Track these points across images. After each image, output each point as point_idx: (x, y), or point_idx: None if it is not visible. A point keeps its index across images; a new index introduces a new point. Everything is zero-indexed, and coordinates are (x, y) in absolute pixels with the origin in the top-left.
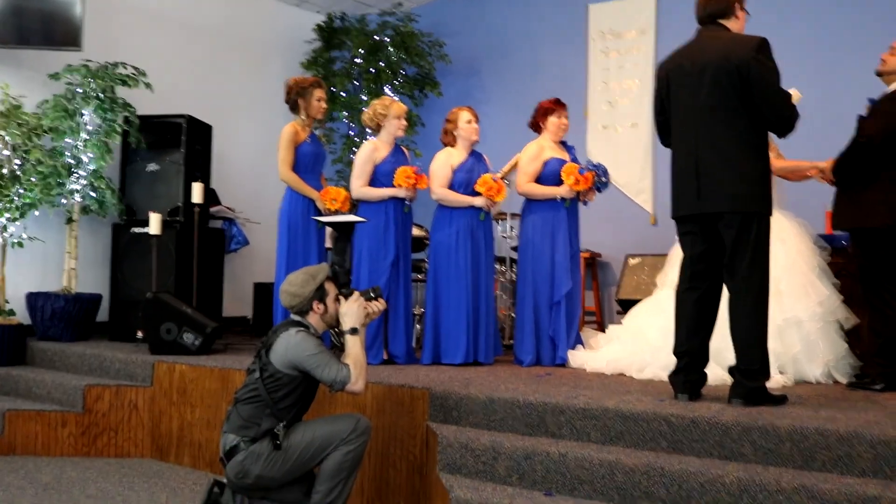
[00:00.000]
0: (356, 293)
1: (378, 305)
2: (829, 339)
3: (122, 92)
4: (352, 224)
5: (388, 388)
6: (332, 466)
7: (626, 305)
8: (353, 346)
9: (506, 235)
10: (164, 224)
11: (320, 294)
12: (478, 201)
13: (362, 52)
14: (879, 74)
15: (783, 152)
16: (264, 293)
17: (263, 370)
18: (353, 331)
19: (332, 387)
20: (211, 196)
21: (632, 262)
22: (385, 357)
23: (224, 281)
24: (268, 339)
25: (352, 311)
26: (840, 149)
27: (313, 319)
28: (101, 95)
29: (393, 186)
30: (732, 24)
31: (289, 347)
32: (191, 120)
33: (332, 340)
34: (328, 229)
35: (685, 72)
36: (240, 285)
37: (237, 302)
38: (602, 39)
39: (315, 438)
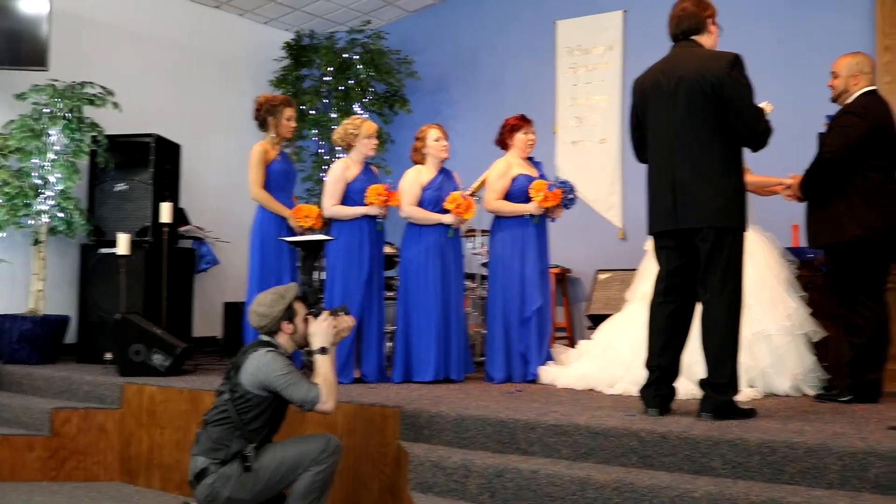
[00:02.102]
0: (325, 312)
1: (347, 322)
2: (797, 353)
3: (89, 111)
4: (319, 243)
5: (358, 407)
6: (302, 487)
7: (597, 320)
8: (323, 366)
9: (475, 252)
10: (133, 244)
11: (289, 314)
12: (447, 219)
13: (331, 69)
14: (834, 100)
15: (751, 167)
16: (234, 313)
17: (233, 391)
18: (323, 350)
19: (302, 406)
20: (180, 216)
21: (602, 277)
22: (356, 376)
23: (194, 301)
24: (237, 359)
25: (321, 331)
26: (807, 164)
27: (283, 339)
28: (69, 115)
29: (365, 205)
30: (705, 40)
31: (258, 367)
32: (159, 139)
33: (304, 360)
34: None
35: (661, 88)
36: (210, 305)
37: (207, 322)
38: (570, 55)
39: (285, 459)
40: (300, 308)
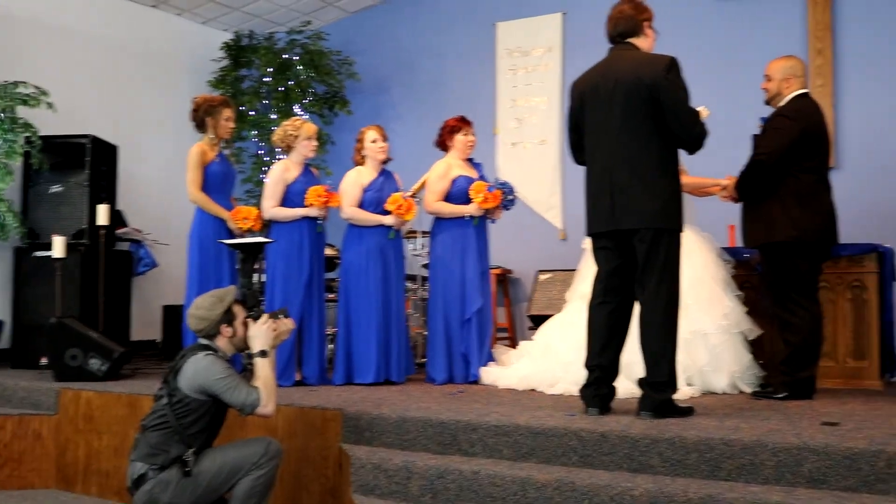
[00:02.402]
0: (265, 315)
1: (286, 325)
2: (734, 351)
3: (23, 112)
4: (258, 246)
5: (299, 410)
6: (243, 492)
7: (538, 321)
8: (263, 369)
9: (416, 253)
10: (69, 247)
11: (228, 317)
12: (388, 220)
13: (271, 70)
14: (768, 103)
15: (687, 168)
16: (174, 316)
17: (171, 396)
18: (263, 353)
19: (241, 410)
20: (117, 218)
21: (542, 277)
22: (297, 378)
23: (132, 304)
24: (175, 363)
25: (260, 334)
26: (743, 165)
27: (222, 343)
28: (1, 115)
29: (305, 206)
30: (642, 43)
31: (197, 371)
32: (95, 140)
33: (244, 363)
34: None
35: (598, 90)
36: (148, 308)
37: (146, 325)
38: (510, 57)
39: (225, 464)
40: (239, 311)
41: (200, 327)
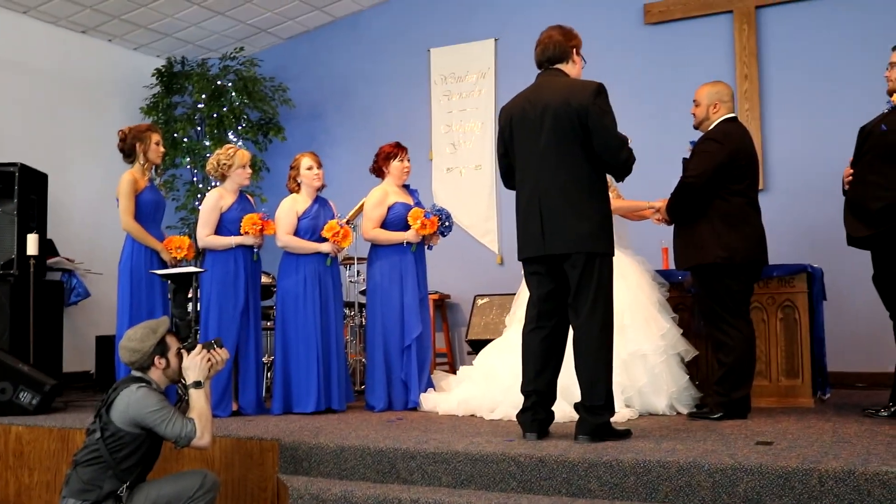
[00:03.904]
0: (199, 346)
1: (221, 355)
2: (671, 372)
3: None
4: (190, 275)
5: (236, 441)
6: None
7: (477, 346)
8: (198, 400)
9: (354, 280)
10: None
11: (161, 349)
12: (324, 247)
13: (204, 96)
14: (696, 127)
15: (622, 192)
16: (107, 346)
17: (104, 430)
18: (197, 384)
19: (177, 443)
20: (48, 247)
21: (480, 302)
22: (234, 409)
23: (64, 335)
24: (108, 396)
25: (194, 365)
26: (672, 189)
27: (155, 375)
28: None
29: (240, 234)
30: (570, 69)
31: (130, 404)
32: (24, 168)
33: (178, 394)
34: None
35: (527, 115)
36: (81, 339)
37: (79, 356)
38: (444, 83)
39: (160, 498)
40: (172, 342)
41: (133, 360)
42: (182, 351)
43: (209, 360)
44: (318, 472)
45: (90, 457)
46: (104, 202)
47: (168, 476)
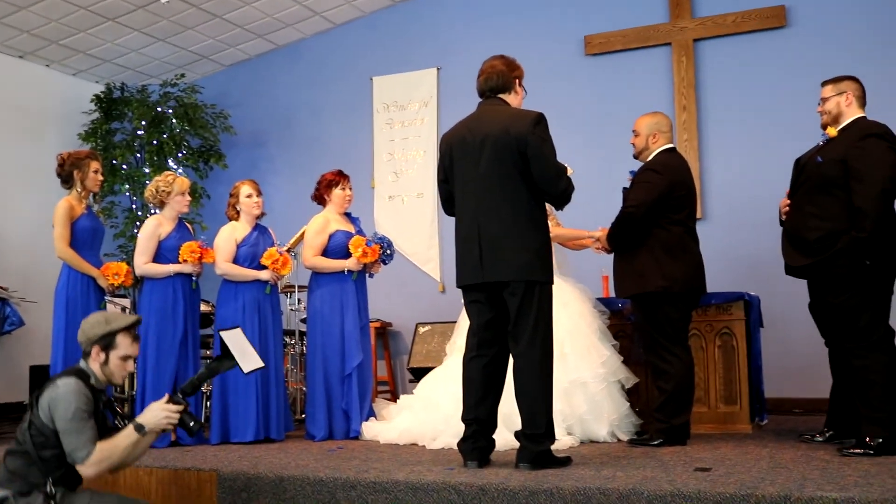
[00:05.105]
0: (167, 396)
1: (173, 418)
2: (612, 399)
3: None
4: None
5: (173, 473)
6: None
7: (418, 374)
8: (124, 440)
9: (294, 308)
10: None
11: (106, 342)
12: (264, 275)
13: (144, 123)
14: (636, 157)
15: (561, 221)
16: (41, 376)
17: (32, 421)
18: (140, 427)
19: (68, 455)
20: None
21: (422, 330)
22: (172, 439)
23: None
24: (43, 386)
25: (152, 412)
26: (613, 218)
27: (94, 366)
28: None
29: (178, 262)
30: (511, 99)
31: (52, 399)
32: None
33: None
34: (109, 305)
35: (467, 143)
36: (15, 369)
37: (12, 387)
38: (386, 111)
39: None
40: (125, 344)
41: (80, 341)
42: (130, 362)
43: (167, 417)
44: (257, 503)
45: (17, 447)
46: (40, 229)
47: (114, 494)
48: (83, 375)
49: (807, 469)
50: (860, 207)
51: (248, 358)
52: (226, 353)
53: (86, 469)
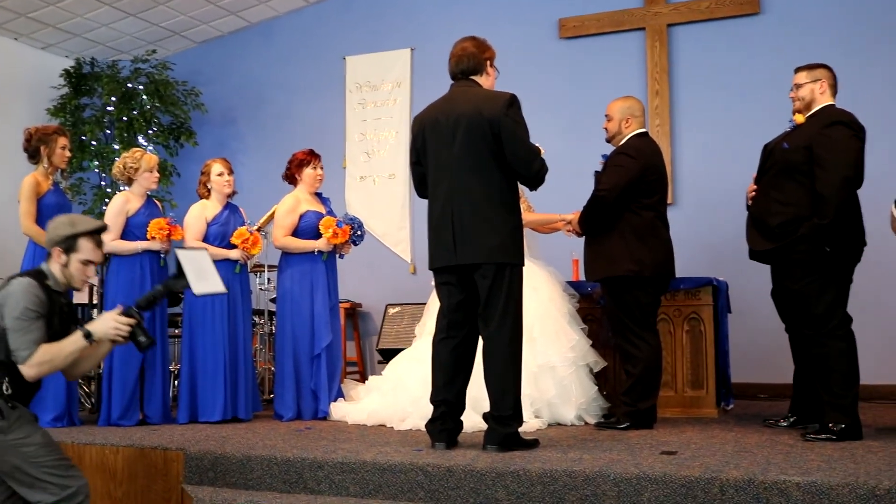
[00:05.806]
0: (119, 307)
1: (125, 330)
2: (580, 383)
3: None
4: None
5: (139, 451)
6: None
7: (388, 355)
8: (70, 346)
9: (264, 288)
10: None
11: (69, 244)
12: (233, 254)
13: (114, 99)
14: (609, 141)
15: (533, 204)
16: None
17: None
18: (89, 335)
19: (9, 355)
20: None
21: (392, 311)
22: (140, 417)
23: None
24: (5, 281)
25: (103, 320)
26: (585, 201)
27: (54, 268)
28: None
29: (147, 239)
30: (483, 81)
31: (7, 295)
32: None
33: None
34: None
35: (439, 125)
36: None
37: None
38: (359, 91)
39: (26, 466)
40: (87, 248)
41: (45, 240)
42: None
43: (117, 327)
44: (223, 483)
45: None
46: (6, 206)
47: (60, 457)
48: (40, 276)
49: (771, 453)
50: (822, 194)
51: (205, 280)
52: (180, 273)
53: (27, 370)
